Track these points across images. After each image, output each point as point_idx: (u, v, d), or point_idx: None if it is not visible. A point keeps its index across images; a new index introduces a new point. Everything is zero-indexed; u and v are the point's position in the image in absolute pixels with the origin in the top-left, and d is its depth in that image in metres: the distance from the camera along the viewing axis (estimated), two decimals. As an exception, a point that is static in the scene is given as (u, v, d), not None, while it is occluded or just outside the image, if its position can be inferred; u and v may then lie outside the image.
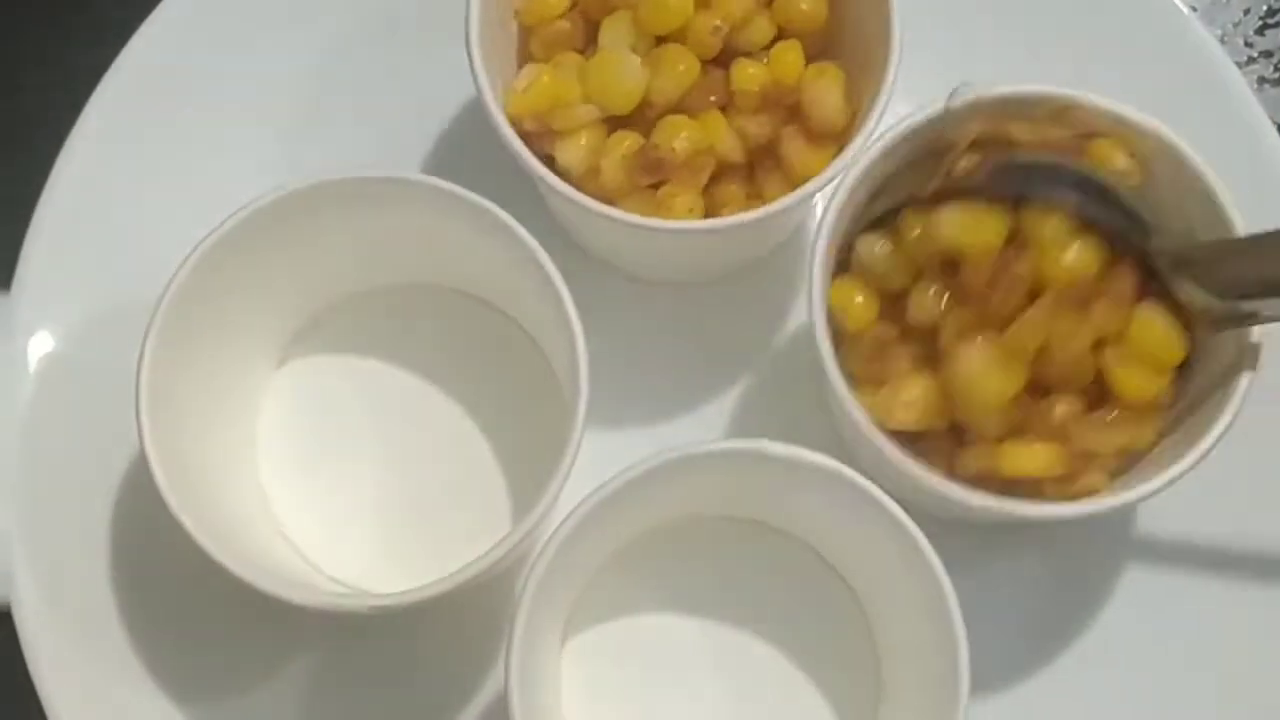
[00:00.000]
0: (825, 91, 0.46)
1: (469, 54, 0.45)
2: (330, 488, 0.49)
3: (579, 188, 0.46)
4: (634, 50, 0.47)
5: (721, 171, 0.47)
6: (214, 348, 0.45)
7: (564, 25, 0.48)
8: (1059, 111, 0.45)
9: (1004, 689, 0.49)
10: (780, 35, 0.48)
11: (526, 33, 0.48)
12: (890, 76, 0.45)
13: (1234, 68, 0.54)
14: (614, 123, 0.47)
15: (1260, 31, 0.61)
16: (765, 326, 0.52)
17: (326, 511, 0.49)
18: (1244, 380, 0.43)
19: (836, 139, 0.46)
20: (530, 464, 0.47)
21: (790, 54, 0.47)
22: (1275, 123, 0.53)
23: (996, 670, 0.49)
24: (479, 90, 0.45)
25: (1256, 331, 0.43)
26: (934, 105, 0.44)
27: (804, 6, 0.47)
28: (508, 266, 0.44)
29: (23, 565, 0.48)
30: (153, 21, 0.53)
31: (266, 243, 0.44)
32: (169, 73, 0.53)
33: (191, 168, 0.52)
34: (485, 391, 0.50)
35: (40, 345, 0.50)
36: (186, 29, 0.53)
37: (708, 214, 0.47)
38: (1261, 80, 0.60)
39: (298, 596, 0.42)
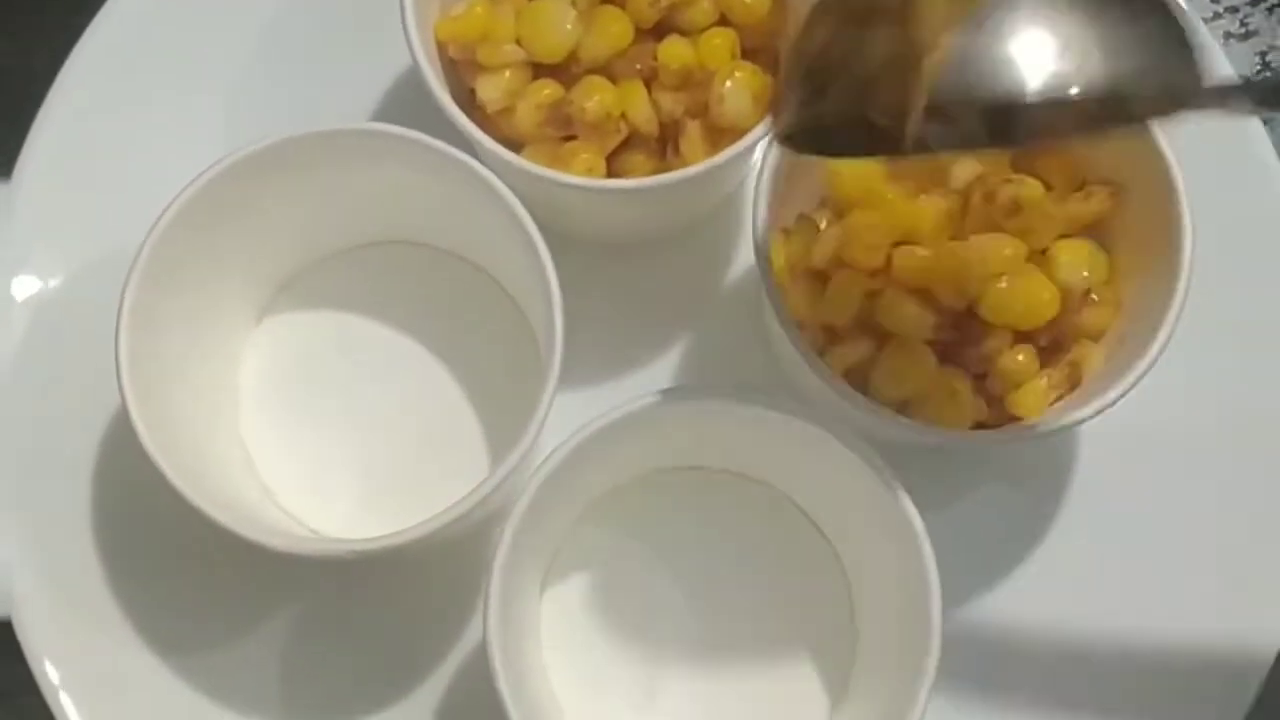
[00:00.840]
0: (737, 87, 0.46)
1: None
2: (311, 442, 0.50)
3: (493, 125, 0.47)
4: (576, 5, 0.47)
5: (634, 140, 0.48)
6: (196, 300, 0.46)
7: (516, -34, 0.48)
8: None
9: (976, 622, 0.50)
10: (722, 22, 0.48)
11: (481, -31, 0.49)
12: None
13: (1200, 22, 0.54)
14: (540, 70, 0.48)
15: (1224, -13, 0.61)
16: (710, 283, 0.53)
17: (308, 465, 0.50)
18: (1174, 307, 0.43)
19: (738, 137, 0.45)
20: (508, 415, 0.47)
21: (719, 40, 0.47)
22: (1241, 77, 0.54)
23: (968, 604, 0.50)
24: (403, 12, 0.46)
25: (1187, 256, 0.44)
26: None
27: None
28: (484, 221, 0.45)
29: (9, 521, 0.49)
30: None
31: (249, 194, 0.45)
32: (161, 17, 0.53)
33: (184, 118, 0.53)
34: (463, 346, 0.51)
35: (26, 289, 0.51)
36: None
37: (611, 178, 0.47)
38: (1228, 35, 0.60)
39: (280, 543, 0.42)
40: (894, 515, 0.42)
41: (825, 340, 0.46)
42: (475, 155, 0.45)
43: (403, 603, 0.50)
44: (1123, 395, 0.43)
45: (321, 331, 0.51)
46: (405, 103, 0.53)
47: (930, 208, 0.46)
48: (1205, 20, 0.54)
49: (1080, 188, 0.47)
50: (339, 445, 0.50)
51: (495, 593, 0.41)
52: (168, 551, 0.49)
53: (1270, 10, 0.60)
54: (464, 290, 0.51)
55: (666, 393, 0.43)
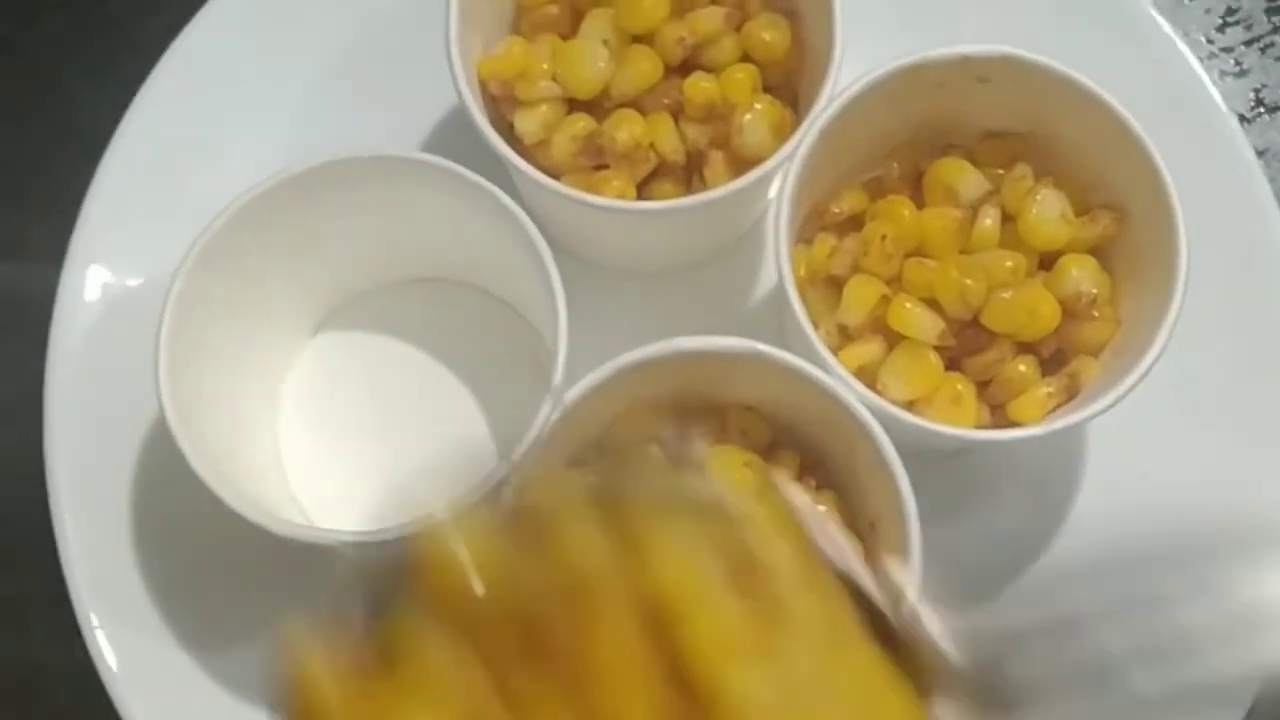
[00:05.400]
0: (756, 119, 0.50)
1: (446, 19, 0.49)
2: (340, 457, 0.53)
3: (531, 157, 0.50)
4: (608, 45, 0.51)
5: (663, 170, 0.51)
6: (242, 307, 0.49)
7: (553, 10, 0.52)
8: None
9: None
10: (744, 59, 0.51)
11: (520, 13, 0.53)
12: (831, 77, 0.48)
13: (1197, 62, 0.57)
14: (575, 105, 0.51)
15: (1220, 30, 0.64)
16: (734, 305, 0.56)
17: (336, 478, 0.53)
18: (1168, 324, 0.46)
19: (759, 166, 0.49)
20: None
21: (741, 76, 0.51)
22: (1236, 113, 0.57)
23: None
24: (448, 51, 0.49)
25: (1182, 276, 0.46)
26: (885, 66, 0.48)
27: (766, 36, 0.51)
28: (503, 246, 0.48)
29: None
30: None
31: (294, 212, 0.48)
32: (224, 55, 0.57)
33: (236, 158, 0.56)
34: (494, 378, 0.54)
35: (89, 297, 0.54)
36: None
37: (641, 204, 0.50)
38: (1223, 74, 0.63)
39: (278, 528, 0.45)
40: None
41: (840, 340, 0.48)
42: (515, 186, 0.48)
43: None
44: (1115, 403, 0.45)
45: (366, 353, 0.54)
46: (451, 139, 0.56)
47: (940, 221, 0.49)
48: (1201, 60, 0.57)
49: (1086, 211, 0.50)
50: (365, 460, 0.53)
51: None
52: (203, 546, 0.51)
53: (1263, 49, 0.63)
54: (499, 326, 0.55)
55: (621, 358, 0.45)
